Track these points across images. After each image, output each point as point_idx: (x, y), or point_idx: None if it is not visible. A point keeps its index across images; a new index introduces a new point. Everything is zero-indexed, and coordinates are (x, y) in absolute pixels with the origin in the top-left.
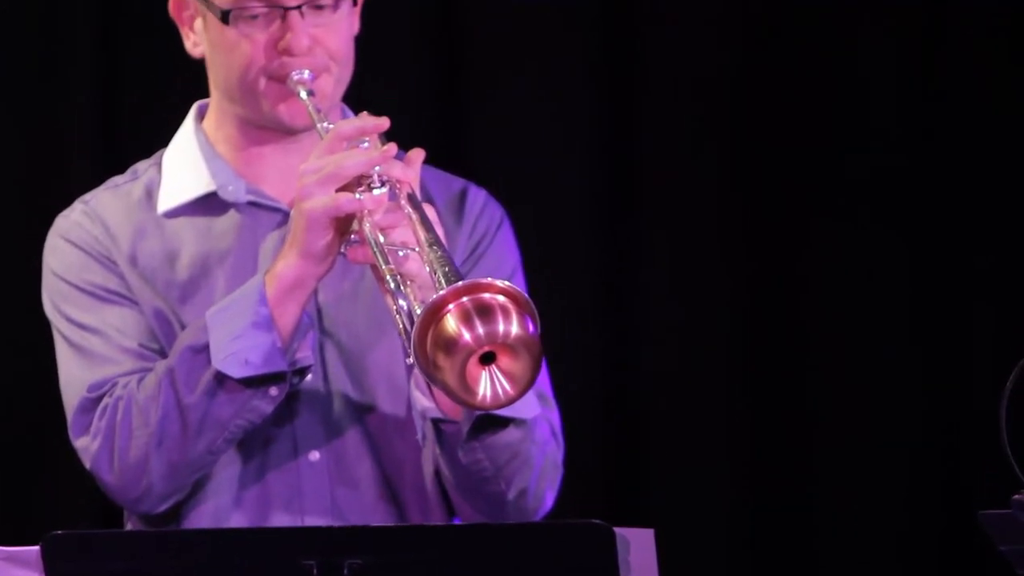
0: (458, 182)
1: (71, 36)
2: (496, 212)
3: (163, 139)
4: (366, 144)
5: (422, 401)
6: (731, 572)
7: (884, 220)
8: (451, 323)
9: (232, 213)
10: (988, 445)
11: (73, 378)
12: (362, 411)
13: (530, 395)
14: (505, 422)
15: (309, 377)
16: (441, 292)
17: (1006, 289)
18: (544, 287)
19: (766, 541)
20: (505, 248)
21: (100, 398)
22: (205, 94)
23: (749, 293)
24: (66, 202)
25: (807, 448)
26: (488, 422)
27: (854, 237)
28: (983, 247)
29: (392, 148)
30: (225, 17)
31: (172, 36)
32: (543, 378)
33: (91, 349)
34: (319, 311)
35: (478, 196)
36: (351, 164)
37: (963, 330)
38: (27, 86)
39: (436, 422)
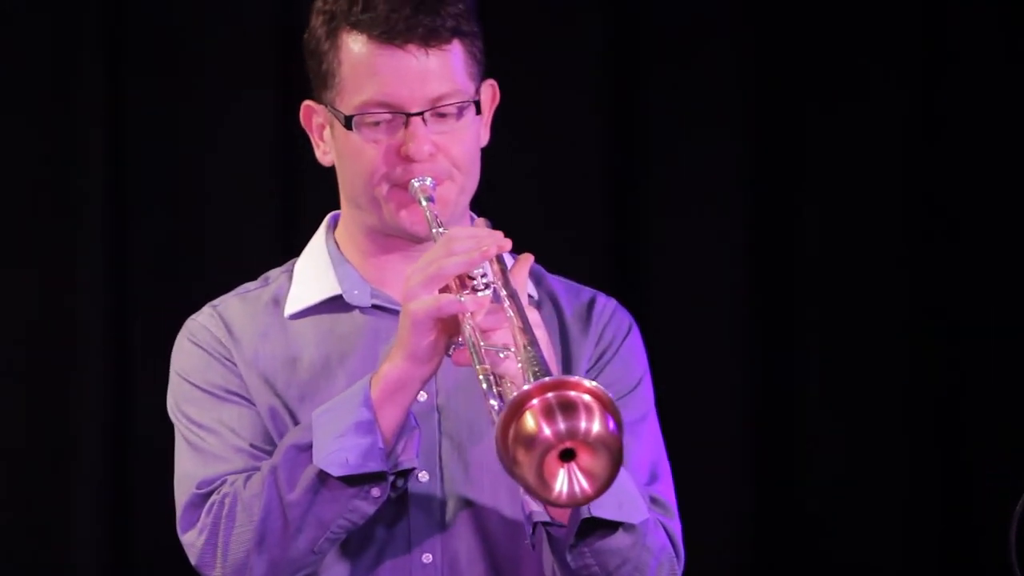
0: (587, 292)
1: (78, 51)
2: (624, 321)
3: (167, 144)
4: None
5: (530, 504)
6: (731, 571)
7: (885, 221)
8: (531, 418)
9: (356, 314)
10: (988, 442)
11: (185, 475)
12: (479, 513)
13: (638, 498)
14: (614, 526)
15: (426, 479)
16: (525, 387)
17: (1005, 285)
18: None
19: (767, 541)
20: (633, 356)
21: (209, 494)
22: (207, 98)
23: (750, 293)
24: (74, 213)
25: (807, 450)
26: (595, 526)
27: (856, 235)
28: (982, 244)
29: (492, 248)
30: (349, 123)
31: (175, 42)
32: (667, 487)
33: (205, 447)
34: (438, 412)
35: (607, 305)
36: (452, 264)
37: (961, 327)
38: (35, 99)
39: (545, 526)
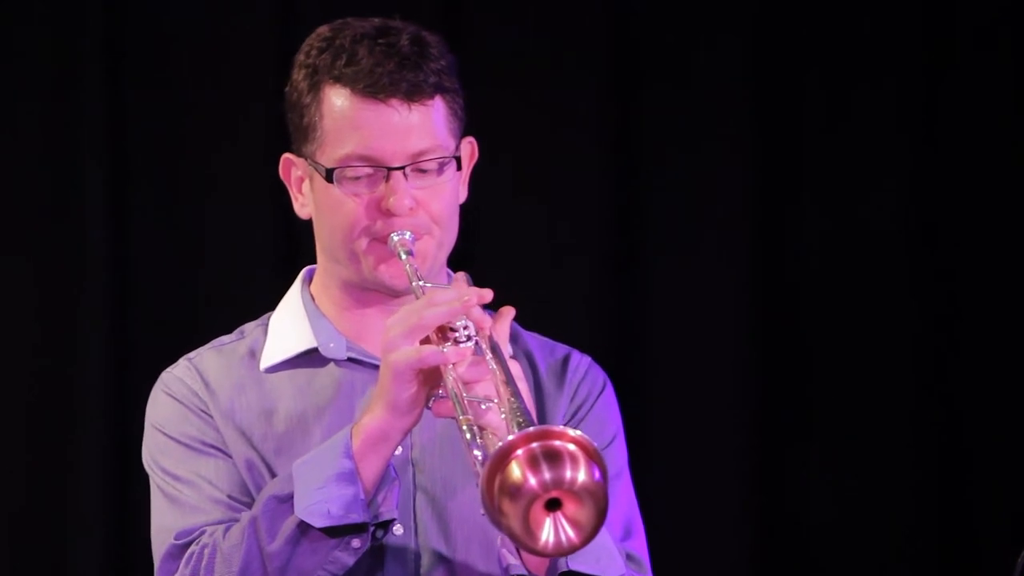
0: (561, 348)
1: (79, 63)
2: (599, 378)
3: (168, 155)
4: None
5: (507, 558)
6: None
7: (886, 225)
8: (518, 467)
9: (332, 368)
10: (988, 444)
11: (163, 527)
12: (453, 567)
13: (616, 553)
14: None
15: (401, 533)
16: (510, 437)
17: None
18: (550, 276)
19: (768, 542)
20: (606, 413)
21: (187, 545)
22: (208, 106)
23: (752, 317)
24: (77, 218)
25: (808, 452)
26: None
27: (858, 237)
28: (981, 246)
29: (473, 299)
30: (330, 176)
31: (176, 48)
32: (640, 544)
33: (182, 499)
34: (413, 465)
35: (581, 362)
36: (433, 315)
37: (968, 348)
38: (35, 105)
39: None
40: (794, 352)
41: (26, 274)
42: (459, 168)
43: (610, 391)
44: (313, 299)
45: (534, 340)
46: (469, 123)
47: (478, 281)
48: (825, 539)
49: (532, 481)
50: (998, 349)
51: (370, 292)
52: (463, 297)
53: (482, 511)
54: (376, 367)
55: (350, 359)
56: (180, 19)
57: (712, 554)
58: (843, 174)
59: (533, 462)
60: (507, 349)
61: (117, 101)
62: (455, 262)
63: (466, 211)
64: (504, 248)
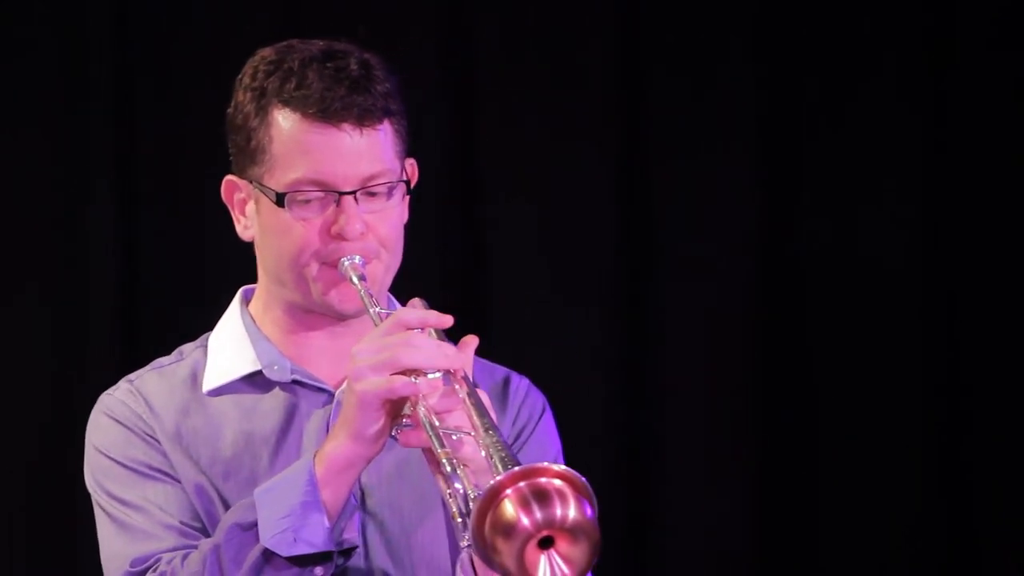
0: (500, 370)
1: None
2: (538, 401)
3: (175, 158)
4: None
5: None
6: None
7: (887, 226)
8: (509, 508)
9: (277, 391)
10: (991, 444)
11: (115, 554)
12: None
13: None
14: None
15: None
16: (499, 477)
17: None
18: (557, 281)
19: (771, 546)
20: (547, 437)
21: (144, 572)
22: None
23: (753, 297)
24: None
25: (808, 452)
26: None
27: (859, 238)
28: (983, 246)
29: (458, 360)
30: (280, 200)
31: (177, 47)
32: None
33: (133, 525)
34: (362, 491)
35: (520, 384)
36: (409, 358)
37: (964, 331)
38: (38, 106)
39: None
40: (795, 352)
41: (30, 275)
42: (408, 192)
43: (549, 414)
44: (254, 320)
45: (474, 363)
46: (471, 125)
47: (479, 282)
48: (826, 539)
49: (525, 521)
50: (1001, 349)
51: (315, 315)
52: (447, 356)
53: (465, 543)
54: (321, 390)
55: (294, 381)
56: (180, 19)
57: (713, 553)
58: (844, 175)
59: (524, 502)
60: (471, 377)
61: (123, 104)
62: (456, 267)
63: (467, 213)
64: (505, 251)
